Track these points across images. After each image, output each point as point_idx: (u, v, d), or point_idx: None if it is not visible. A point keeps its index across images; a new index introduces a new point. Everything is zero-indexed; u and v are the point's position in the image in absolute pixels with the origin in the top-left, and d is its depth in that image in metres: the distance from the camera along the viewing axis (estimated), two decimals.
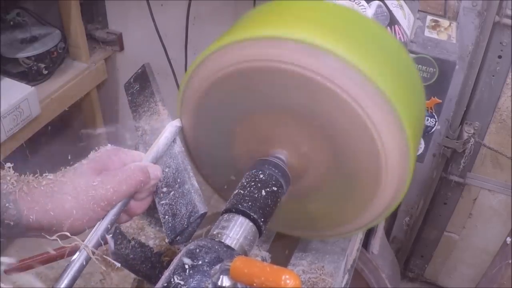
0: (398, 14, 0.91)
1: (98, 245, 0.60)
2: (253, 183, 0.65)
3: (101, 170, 0.61)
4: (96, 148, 0.65)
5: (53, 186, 0.58)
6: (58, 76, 1.72)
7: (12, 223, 0.55)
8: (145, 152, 0.69)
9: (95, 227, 0.60)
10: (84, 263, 0.58)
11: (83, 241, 0.60)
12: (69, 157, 0.65)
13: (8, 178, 0.58)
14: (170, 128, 0.73)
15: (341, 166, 0.68)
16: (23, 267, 1.21)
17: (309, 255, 0.85)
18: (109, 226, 0.61)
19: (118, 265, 0.67)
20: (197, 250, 0.54)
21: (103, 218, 0.61)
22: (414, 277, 1.88)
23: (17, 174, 0.59)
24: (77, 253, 0.59)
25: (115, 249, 0.87)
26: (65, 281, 0.56)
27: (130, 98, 0.82)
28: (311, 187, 0.73)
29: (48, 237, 0.59)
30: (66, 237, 0.59)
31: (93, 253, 0.59)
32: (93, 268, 1.87)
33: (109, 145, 0.66)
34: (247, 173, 0.68)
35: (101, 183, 0.60)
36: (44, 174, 0.60)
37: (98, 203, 0.59)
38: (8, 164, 0.60)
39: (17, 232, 0.56)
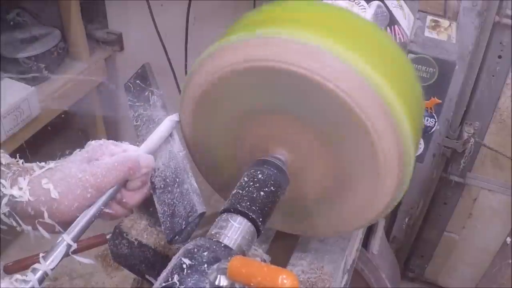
0: (398, 14, 0.91)
1: (83, 231, 0.61)
2: (251, 183, 0.65)
3: (92, 160, 0.63)
4: (91, 140, 0.67)
5: (45, 173, 0.60)
6: (58, 76, 1.73)
7: (7, 207, 0.57)
8: None
9: (82, 213, 0.61)
10: (66, 250, 0.59)
11: None
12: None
13: (12, 165, 0.60)
14: (167, 122, 0.73)
15: (340, 166, 0.68)
16: (23, 266, 1.21)
17: (309, 255, 0.85)
18: (96, 213, 0.62)
19: None
20: (195, 250, 0.54)
21: (91, 205, 0.62)
22: (414, 277, 1.88)
23: (22, 162, 0.62)
24: (59, 238, 0.60)
25: (115, 249, 0.87)
26: (48, 261, 0.57)
27: (130, 98, 0.82)
28: (310, 187, 0.73)
29: (42, 231, 0.60)
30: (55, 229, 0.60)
31: (76, 241, 0.60)
32: (93, 268, 1.88)
33: (103, 139, 0.68)
34: (246, 173, 0.68)
35: (89, 170, 0.61)
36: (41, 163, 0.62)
37: (87, 189, 0.61)
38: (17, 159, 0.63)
39: (13, 218, 0.58)
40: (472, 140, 1.40)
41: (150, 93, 0.78)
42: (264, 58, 0.62)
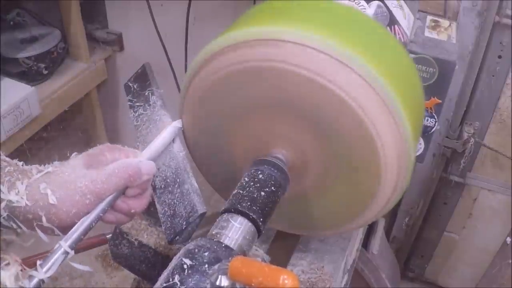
0: (398, 14, 0.91)
1: (80, 239, 0.60)
2: (252, 183, 0.65)
3: (92, 165, 0.62)
4: (91, 140, 0.66)
5: (44, 177, 0.59)
6: (58, 76, 1.72)
7: (6, 211, 0.56)
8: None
9: (80, 220, 0.60)
10: (63, 258, 0.58)
11: None
12: (69, 157, 0.65)
13: (10, 168, 0.59)
14: (170, 128, 0.73)
15: (340, 165, 0.68)
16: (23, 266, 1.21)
17: (309, 255, 0.85)
18: (95, 220, 0.61)
19: None
20: (196, 250, 0.54)
21: (90, 212, 0.61)
22: (414, 277, 1.88)
23: (22, 164, 0.61)
24: (57, 245, 0.58)
25: (115, 249, 0.87)
26: (44, 268, 0.56)
27: (130, 98, 0.82)
28: (310, 187, 0.73)
29: (40, 231, 0.59)
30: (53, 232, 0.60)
31: (73, 247, 0.59)
32: (93, 268, 1.88)
33: (107, 143, 0.66)
34: (246, 173, 0.68)
35: (89, 176, 0.60)
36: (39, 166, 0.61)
37: (86, 195, 0.59)
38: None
39: (13, 221, 0.58)
40: (472, 140, 1.40)
41: (150, 93, 0.78)
42: (264, 58, 0.62)
